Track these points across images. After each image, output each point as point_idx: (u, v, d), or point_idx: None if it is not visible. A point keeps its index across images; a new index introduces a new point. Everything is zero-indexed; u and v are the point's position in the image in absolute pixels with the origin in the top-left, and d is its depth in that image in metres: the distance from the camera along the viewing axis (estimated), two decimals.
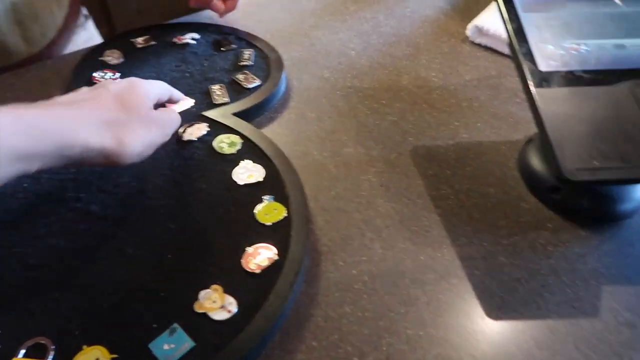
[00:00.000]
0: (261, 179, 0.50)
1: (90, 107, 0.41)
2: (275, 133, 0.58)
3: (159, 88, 0.49)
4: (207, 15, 0.77)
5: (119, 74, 0.64)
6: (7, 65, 0.66)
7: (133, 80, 0.46)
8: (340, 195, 0.51)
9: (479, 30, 0.72)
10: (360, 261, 0.45)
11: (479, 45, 0.73)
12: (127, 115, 0.42)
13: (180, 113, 0.57)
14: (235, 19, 0.77)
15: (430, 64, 0.70)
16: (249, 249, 0.44)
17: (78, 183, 0.50)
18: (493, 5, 0.77)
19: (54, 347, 0.37)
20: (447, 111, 0.62)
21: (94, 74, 0.63)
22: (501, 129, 0.59)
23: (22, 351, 0.37)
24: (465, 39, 0.74)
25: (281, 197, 0.48)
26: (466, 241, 0.47)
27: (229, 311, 0.40)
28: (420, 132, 0.58)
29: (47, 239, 0.45)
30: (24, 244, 0.44)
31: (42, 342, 0.38)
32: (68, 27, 0.73)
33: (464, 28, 0.75)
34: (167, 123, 0.47)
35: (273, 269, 0.42)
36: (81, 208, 0.47)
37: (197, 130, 0.55)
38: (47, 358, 0.37)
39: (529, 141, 0.55)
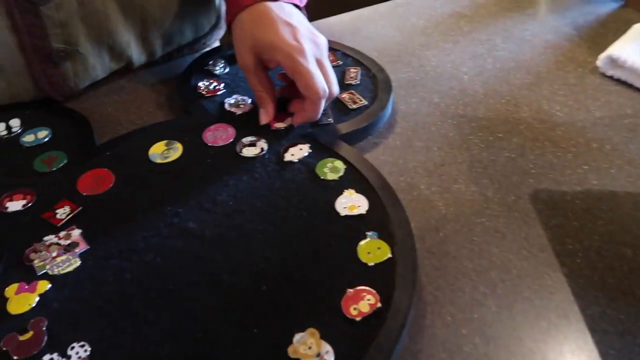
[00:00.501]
0: (364, 212, 0.46)
1: None
2: (379, 160, 0.54)
3: None
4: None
5: (223, 83, 0.63)
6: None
7: None
8: (449, 239, 0.46)
9: (613, 62, 0.64)
10: (471, 319, 0.40)
11: (612, 78, 0.65)
12: None
13: (281, 131, 0.55)
14: (342, 35, 0.74)
15: (554, 95, 0.63)
16: (350, 292, 0.40)
17: (177, 196, 0.49)
18: (630, 33, 0.69)
19: None
20: (574, 152, 0.55)
21: (199, 84, 0.63)
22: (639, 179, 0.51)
23: None
24: (595, 70, 0.67)
25: (386, 235, 0.44)
26: (598, 310, 0.40)
27: None
28: (541, 174, 0.52)
29: (144, 254, 0.44)
30: (121, 257, 0.43)
31: None
32: (194, 46, 0.73)
33: (594, 57, 0.68)
34: None
35: (374, 318, 0.38)
36: (178, 224, 0.46)
37: (299, 151, 0.53)
38: None
39: None
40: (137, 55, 0.65)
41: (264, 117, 0.56)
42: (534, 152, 0.55)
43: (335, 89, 0.54)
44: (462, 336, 0.39)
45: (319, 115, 0.54)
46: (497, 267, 0.44)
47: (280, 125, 0.56)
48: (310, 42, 0.53)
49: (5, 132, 0.56)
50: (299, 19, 0.56)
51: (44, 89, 0.59)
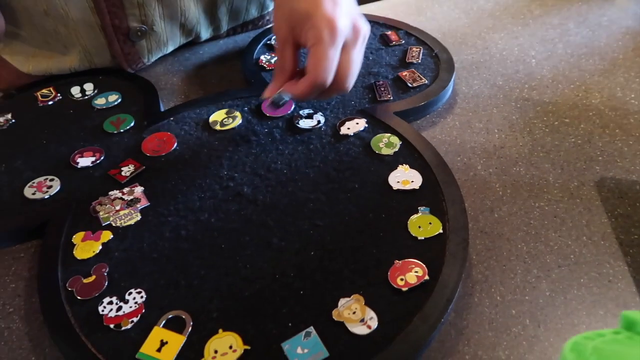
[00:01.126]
0: (417, 187, 0.46)
1: None
2: (436, 139, 0.53)
3: None
4: (377, 8, 0.74)
5: None
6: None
7: None
8: (504, 220, 0.45)
9: None
10: (522, 300, 0.39)
11: None
12: None
13: (339, 105, 0.55)
14: (407, 14, 0.73)
15: (629, 83, 0.59)
16: (398, 263, 0.40)
17: (234, 162, 0.50)
18: None
19: (192, 323, 0.37)
20: None
21: (261, 57, 0.64)
22: None
23: (164, 321, 0.37)
24: None
25: (438, 211, 0.44)
26: None
27: (369, 327, 0.36)
28: (609, 162, 0.50)
29: (199, 213, 0.45)
30: (178, 215, 0.45)
31: (183, 316, 0.38)
32: (257, 22, 0.75)
33: None
34: None
35: (421, 290, 0.38)
36: (233, 188, 0.47)
37: (355, 125, 0.53)
38: (185, 333, 0.37)
39: None
40: (204, 30, 0.67)
41: (268, 90, 0.50)
42: (603, 139, 0.52)
43: (347, 85, 0.48)
44: (511, 317, 0.38)
45: (305, 98, 0.48)
46: (553, 251, 0.42)
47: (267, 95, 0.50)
48: (348, 23, 0.47)
49: (79, 95, 0.60)
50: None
51: (120, 64, 0.62)
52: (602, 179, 0.48)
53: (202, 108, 0.57)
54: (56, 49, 0.61)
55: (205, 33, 0.68)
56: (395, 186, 0.46)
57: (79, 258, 0.42)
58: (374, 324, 0.36)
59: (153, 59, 0.65)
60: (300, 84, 0.47)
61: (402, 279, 0.39)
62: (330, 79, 0.46)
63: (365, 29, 0.49)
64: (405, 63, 0.62)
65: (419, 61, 0.62)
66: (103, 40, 0.60)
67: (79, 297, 0.39)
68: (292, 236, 0.43)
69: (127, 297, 0.39)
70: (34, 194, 0.48)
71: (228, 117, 0.55)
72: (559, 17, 0.72)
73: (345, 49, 0.47)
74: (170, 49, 0.66)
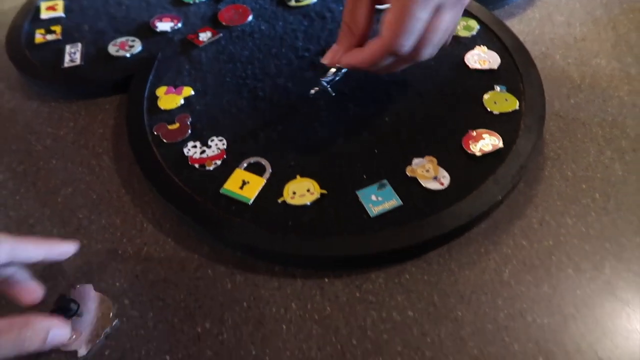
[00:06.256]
0: (495, 67, 0.46)
1: None
2: (514, 29, 0.52)
3: None
4: None
5: None
6: None
7: None
8: (580, 106, 0.45)
9: None
10: (593, 177, 0.39)
11: None
12: None
13: None
14: None
15: None
16: (472, 132, 0.40)
17: (308, 36, 0.50)
18: None
19: (271, 170, 0.39)
20: None
21: None
22: None
23: (245, 164, 0.40)
24: None
25: (514, 90, 0.44)
26: None
27: (442, 183, 0.37)
28: None
29: (276, 78, 0.46)
30: (255, 78, 0.46)
31: (262, 162, 0.40)
32: None
33: None
34: None
35: (495, 157, 0.39)
36: (309, 58, 0.48)
37: None
38: (264, 176, 0.39)
39: None
40: None
41: (329, 55, 0.39)
42: None
43: (424, 53, 0.36)
44: (581, 190, 0.39)
45: (368, 66, 0.37)
46: (630, 138, 0.42)
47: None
48: None
49: None
50: None
51: None
52: None
53: None
54: None
55: None
56: (472, 65, 0.46)
57: (163, 108, 0.44)
58: (447, 181, 0.37)
59: None
60: (368, 47, 0.36)
61: (476, 146, 0.39)
62: (410, 44, 0.35)
63: None
64: None
65: None
66: None
67: (164, 140, 0.42)
68: (366, 103, 0.44)
69: (209, 143, 0.41)
70: (117, 51, 0.50)
71: None
72: None
73: (439, 10, 0.35)
74: None
